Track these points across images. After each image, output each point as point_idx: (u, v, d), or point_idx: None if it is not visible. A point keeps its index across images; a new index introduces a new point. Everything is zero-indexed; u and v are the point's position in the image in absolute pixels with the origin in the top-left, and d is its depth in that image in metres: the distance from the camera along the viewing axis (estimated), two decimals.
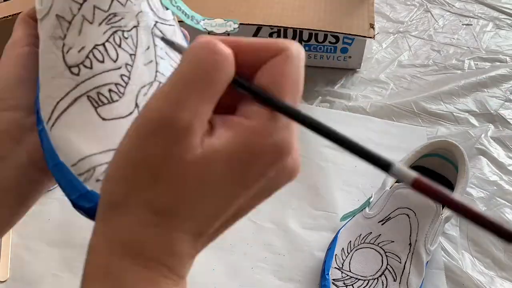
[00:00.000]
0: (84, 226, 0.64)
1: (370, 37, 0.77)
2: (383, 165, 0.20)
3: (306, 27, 0.77)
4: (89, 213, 0.28)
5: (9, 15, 0.77)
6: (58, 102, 0.30)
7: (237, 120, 0.21)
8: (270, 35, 0.85)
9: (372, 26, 0.79)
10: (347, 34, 0.78)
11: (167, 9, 0.34)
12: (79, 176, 0.28)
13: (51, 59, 0.31)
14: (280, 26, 0.77)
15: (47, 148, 0.30)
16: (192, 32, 0.36)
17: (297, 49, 0.22)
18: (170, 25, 0.34)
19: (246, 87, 0.22)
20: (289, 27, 0.77)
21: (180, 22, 0.36)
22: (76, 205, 0.28)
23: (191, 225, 0.22)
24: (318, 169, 0.68)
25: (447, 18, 1.04)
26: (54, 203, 0.61)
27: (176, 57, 0.33)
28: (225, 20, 0.37)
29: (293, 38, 0.85)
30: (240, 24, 0.78)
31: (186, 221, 0.22)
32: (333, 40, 0.84)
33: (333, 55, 0.87)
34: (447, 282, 0.55)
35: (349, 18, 0.81)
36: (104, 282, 0.21)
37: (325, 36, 0.84)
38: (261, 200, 0.24)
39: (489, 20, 1.03)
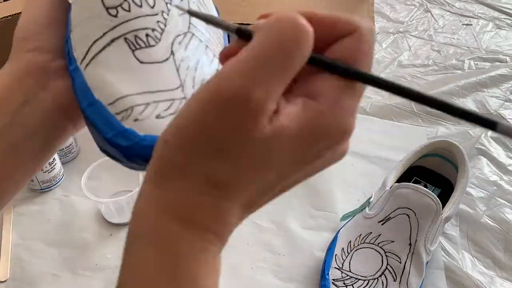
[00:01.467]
0: (84, 226, 0.63)
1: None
2: (489, 123, 0.21)
3: None
4: (125, 152, 0.28)
5: (9, 15, 0.77)
6: (94, 42, 0.30)
7: (305, 101, 0.21)
8: None
9: None
10: None
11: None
12: (116, 115, 0.28)
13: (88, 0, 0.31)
14: None
15: (80, 88, 0.30)
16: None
17: (369, 27, 0.22)
18: None
19: (324, 62, 0.21)
20: None
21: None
22: (112, 143, 0.28)
23: (245, 197, 0.22)
24: None
25: (447, 18, 1.04)
26: (54, 203, 0.61)
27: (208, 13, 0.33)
28: None
29: None
30: (240, 24, 0.78)
31: (241, 193, 0.22)
32: None
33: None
34: (447, 282, 0.55)
35: None
36: (159, 246, 0.22)
37: None
38: (308, 177, 0.24)
39: (489, 20, 1.03)
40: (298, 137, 0.21)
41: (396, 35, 0.99)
